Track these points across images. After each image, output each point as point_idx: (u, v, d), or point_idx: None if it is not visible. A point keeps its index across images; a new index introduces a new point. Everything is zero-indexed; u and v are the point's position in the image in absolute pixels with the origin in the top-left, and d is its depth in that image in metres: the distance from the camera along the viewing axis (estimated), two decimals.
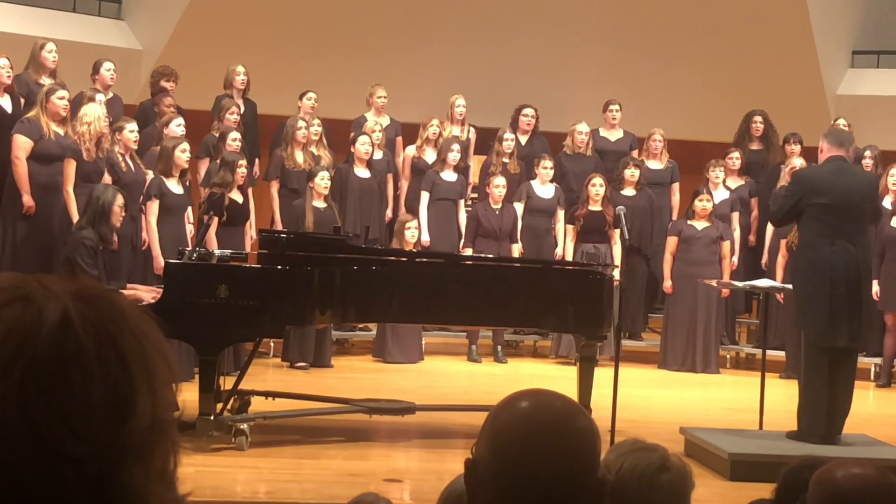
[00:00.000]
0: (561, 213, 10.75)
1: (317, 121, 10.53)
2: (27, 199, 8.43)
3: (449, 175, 10.71)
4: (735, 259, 10.70)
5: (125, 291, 6.79)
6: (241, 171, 9.06)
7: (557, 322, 7.36)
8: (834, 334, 6.76)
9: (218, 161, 9.28)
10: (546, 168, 10.76)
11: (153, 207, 8.57)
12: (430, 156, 10.95)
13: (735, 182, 11.19)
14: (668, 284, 10.57)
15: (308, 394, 7.48)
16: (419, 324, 9.66)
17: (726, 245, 10.58)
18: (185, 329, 6.34)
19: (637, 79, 12.91)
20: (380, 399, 7.32)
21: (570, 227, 10.60)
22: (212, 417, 6.45)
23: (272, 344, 9.66)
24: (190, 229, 8.91)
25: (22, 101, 9.22)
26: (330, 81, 12.01)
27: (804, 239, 7.03)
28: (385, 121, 11.26)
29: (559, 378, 8.87)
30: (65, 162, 8.38)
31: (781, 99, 12.24)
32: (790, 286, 7.46)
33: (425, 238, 10.46)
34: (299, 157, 10.25)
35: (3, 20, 11.71)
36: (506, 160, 10.93)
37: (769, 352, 8.42)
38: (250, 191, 9.64)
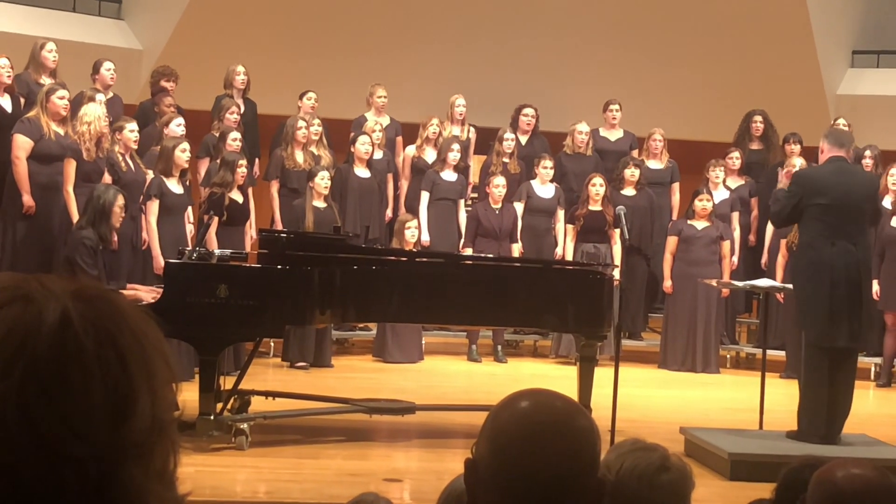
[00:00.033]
0: (561, 213, 10.75)
1: (317, 121, 10.53)
2: (27, 199, 8.43)
3: (449, 175, 10.71)
4: (735, 259, 10.70)
5: (125, 291, 6.80)
6: (242, 170, 9.06)
7: (557, 322, 7.36)
8: (834, 334, 6.76)
9: (218, 161, 9.28)
10: (546, 168, 10.76)
11: (153, 207, 8.57)
12: (430, 155, 10.96)
13: (735, 182, 11.19)
14: (668, 284, 10.57)
15: (308, 394, 7.48)
16: (419, 324, 9.66)
17: (726, 245, 10.58)
18: (185, 329, 6.34)
19: (637, 79, 12.91)
20: (380, 399, 7.32)
21: (570, 226, 10.60)
22: (212, 417, 6.45)
23: (272, 344, 9.66)
24: (190, 229, 8.91)
25: (22, 100, 9.22)
26: (330, 81, 12.01)
27: (805, 239, 7.03)
28: (385, 121, 11.26)
29: (559, 378, 8.87)
30: (65, 162, 8.38)
31: (781, 99, 12.24)
32: (790, 286, 7.46)
33: (425, 238, 10.46)
34: (299, 156, 10.25)
35: (4, 20, 11.71)
36: (506, 160, 10.93)
37: (769, 351, 8.42)
38: (250, 191, 9.64)
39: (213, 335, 6.46)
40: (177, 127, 9.34)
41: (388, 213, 10.88)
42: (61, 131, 8.51)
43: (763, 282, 8.12)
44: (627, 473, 2.48)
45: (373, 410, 7.08)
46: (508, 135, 11.02)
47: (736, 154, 11.21)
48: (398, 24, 13.01)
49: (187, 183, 8.89)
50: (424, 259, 8.16)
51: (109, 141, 8.65)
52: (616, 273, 8.07)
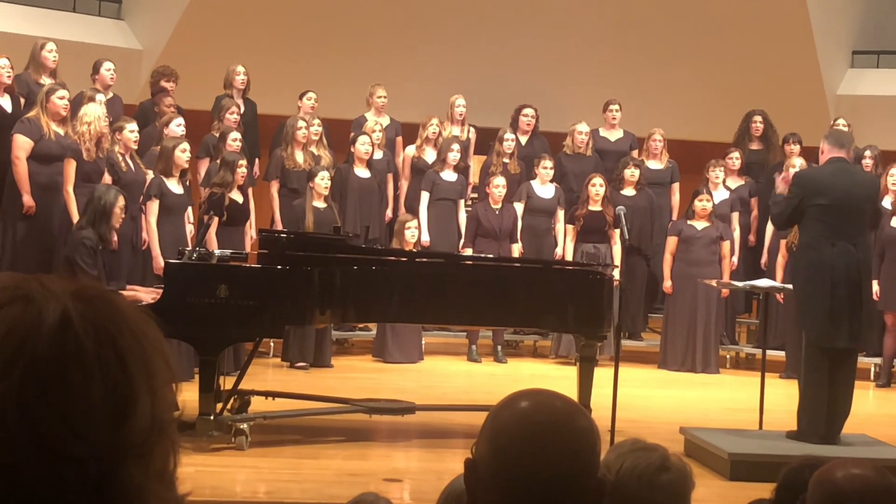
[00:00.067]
0: (561, 213, 10.75)
1: (317, 121, 10.53)
2: (27, 199, 8.43)
3: (449, 175, 10.71)
4: (735, 259, 10.70)
5: (124, 293, 6.79)
6: (242, 170, 9.06)
7: (557, 322, 7.36)
8: (835, 335, 6.77)
9: (218, 161, 9.28)
10: (546, 168, 10.76)
11: (153, 207, 8.56)
12: (429, 155, 10.96)
13: (735, 182, 11.19)
14: (667, 284, 10.57)
15: (308, 394, 7.48)
16: (419, 324, 9.66)
17: (726, 245, 10.58)
18: (185, 329, 6.34)
19: (637, 79, 12.91)
20: (380, 399, 7.32)
21: (570, 226, 10.60)
22: (212, 417, 6.45)
23: (272, 344, 9.66)
24: (190, 229, 8.91)
25: (22, 100, 9.22)
26: (330, 81, 12.01)
27: (805, 239, 7.03)
28: (385, 121, 11.26)
29: (559, 378, 8.87)
30: (65, 162, 8.38)
31: (781, 99, 12.24)
32: (790, 286, 7.47)
33: (425, 238, 10.46)
34: (299, 157, 10.25)
35: (4, 20, 11.71)
36: (506, 160, 10.93)
37: (769, 352, 8.42)
38: (250, 191, 9.64)
39: (212, 335, 6.46)
40: (177, 127, 9.34)
41: (388, 213, 10.88)
42: (61, 131, 8.51)
43: (763, 282, 8.12)
44: (627, 473, 2.48)
45: (373, 410, 7.08)
46: (508, 135, 11.02)
47: (736, 154, 11.21)
48: (398, 24, 13.01)
49: (187, 183, 8.89)
50: (424, 259, 8.16)
51: (109, 141, 8.65)
52: (616, 273, 8.07)
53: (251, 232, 9.57)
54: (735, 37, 12.97)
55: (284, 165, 10.22)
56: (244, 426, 6.54)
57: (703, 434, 6.92)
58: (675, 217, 11.14)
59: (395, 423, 7.26)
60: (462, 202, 10.87)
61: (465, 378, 9.68)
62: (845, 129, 10.54)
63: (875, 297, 9.22)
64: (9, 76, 9.10)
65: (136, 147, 8.98)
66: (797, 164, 10.35)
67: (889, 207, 10.03)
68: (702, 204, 10.44)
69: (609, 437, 6.10)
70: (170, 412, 1.01)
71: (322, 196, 9.58)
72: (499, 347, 10.53)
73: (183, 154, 8.68)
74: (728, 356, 10.98)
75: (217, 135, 9.88)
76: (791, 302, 8.40)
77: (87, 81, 9.85)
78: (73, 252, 7.28)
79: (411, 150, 11.08)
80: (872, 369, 10.24)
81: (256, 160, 10.81)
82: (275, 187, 10.29)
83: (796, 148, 11.09)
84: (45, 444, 0.94)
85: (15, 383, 0.94)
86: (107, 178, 8.45)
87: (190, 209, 9.04)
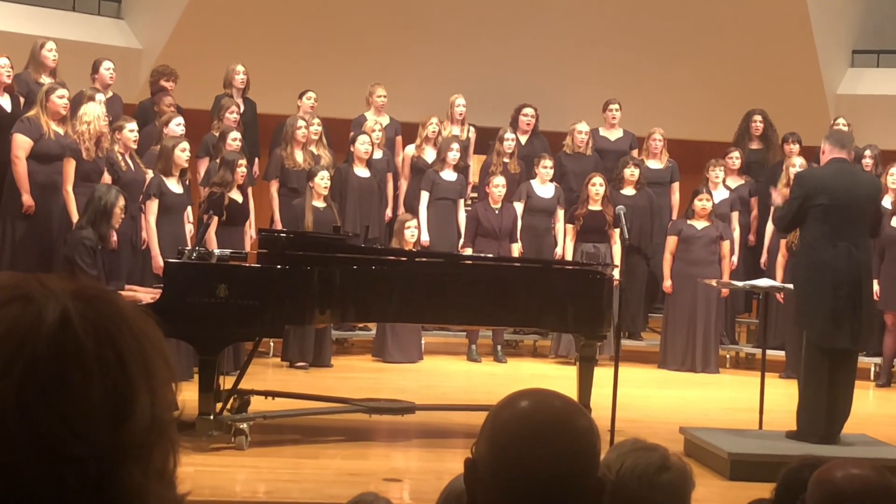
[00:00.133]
0: (561, 213, 10.75)
1: (316, 120, 10.53)
2: (27, 199, 8.42)
3: (448, 174, 10.71)
4: (735, 259, 10.70)
5: (123, 293, 6.79)
6: (241, 170, 9.06)
7: (557, 322, 7.36)
8: (837, 335, 6.76)
9: (218, 160, 9.28)
10: (546, 167, 10.76)
11: (152, 207, 8.56)
12: (429, 155, 10.95)
13: (735, 181, 11.19)
14: (667, 284, 10.57)
15: (308, 393, 7.48)
16: (419, 323, 9.65)
17: (726, 245, 10.58)
18: (185, 328, 6.34)
19: (637, 79, 12.90)
20: (379, 399, 7.32)
21: (569, 226, 10.60)
22: (211, 417, 6.46)
23: (272, 343, 9.66)
24: (189, 229, 8.91)
25: (21, 100, 9.21)
26: (330, 81, 12.01)
27: (806, 240, 7.02)
28: (385, 120, 11.26)
29: (559, 378, 8.87)
30: (64, 161, 8.37)
31: (781, 98, 12.24)
32: (790, 286, 7.46)
33: (425, 238, 10.46)
34: (299, 156, 10.24)
35: (3, 19, 11.71)
36: (506, 160, 10.93)
37: (769, 351, 8.42)
38: (250, 190, 9.64)
39: (212, 335, 6.46)
40: (176, 126, 9.33)
41: (388, 212, 10.88)
42: (61, 131, 8.50)
43: (763, 282, 8.11)
44: (627, 473, 2.48)
45: (372, 410, 7.08)
46: (509, 135, 11.01)
47: (736, 154, 11.21)
48: (398, 24, 13.01)
49: (187, 182, 8.89)
50: (424, 259, 8.16)
51: (109, 140, 8.65)
52: (616, 273, 8.08)
53: (251, 231, 9.57)
54: (735, 37, 12.97)
55: (284, 165, 10.21)
56: (244, 426, 6.54)
57: (702, 434, 6.92)
58: (674, 217, 11.13)
59: (395, 422, 7.26)
60: (462, 202, 10.86)
61: (465, 378, 9.68)
62: (845, 128, 10.54)
63: (875, 296, 9.22)
64: (8, 75, 9.10)
65: (135, 146, 8.98)
66: (797, 163, 10.36)
67: (889, 207, 10.03)
68: (702, 203, 10.44)
69: (609, 437, 6.10)
70: (169, 412, 1.01)
71: (322, 196, 9.57)
72: (498, 347, 10.53)
73: (182, 153, 8.68)
74: (728, 356, 10.98)
75: (217, 134, 9.88)
76: (791, 302, 8.40)
77: (87, 81, 9.85)
78: (73, 252, 7.28)
79: (411, 149, 11.08)
80: (872, 369, 10.24)
81: (256, 160, 10.81)
82: (274, 187, 10.29)
83: (796, 147, 11.09)
84: (44, 444, 0.93)
85: (14, 383, 0.94)
86: (106, 178, 8.45)
87: (189, 209, 9.04)
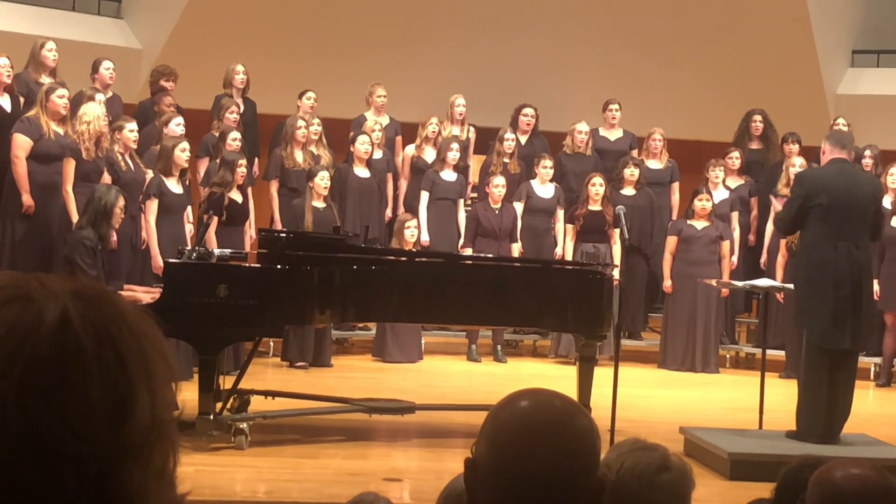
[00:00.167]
0: (561, 213, 10.75)
1: (316, 120, 10.53)
2: (26, 199, 8.42)
3: (448, 174, 10.71)
4: (735, 259, 10.70)
5: (122, 293, 6.79)
6: (241, 170, 9.06)
7: (557, 321, 7.36)
8: (837, 336, 6.76)
9: (217, 160, 9.28)
10: (546, 167, 10.76)
11: (152, 207, 8.56)
12: (429, 155, 10.95)
13: (735, 181, 11.19)
14: (667, 284, 10.57)
15: (308, 393, 7.48)
16: (419, 323, 9.65)
17: (726, 245, 10.58)
18: (185, 328, 6.34)
19: (637, 79, 12.90)
20: (379, 398, 7.32)
21: (569, 226, 10.60)
22: (211, 417, 6.46)
23: (272, 343, 9.66)
24: (189, 229, 8.91)
25: (21, 100, 9.21)
26: (329, 81, 12.01)
27: (806, 240, 7.01)
28: (385, 120, 11.26)
29: (559, 377, 8.88)
30: (64, 161, 8.37)
31: (781, 98, 12.24)
32: (790, 286, 7.45)
33: (425, 238, 10.46)
34: (299, 156, 10.24)
35: (3, 19, 11.71)
36: (506, 160, 10.93)
37: (769, 351, 8.42)
38: (250, 190, 9.64)
39: (212, 335, 6.46)
40: (176, 126, 9.33)
41: (388, 212, 10.87)
42: (61, 131, 8.50)
43: (763, 282, 8.11)
44: (628, 473, 2.48)
45: (372, 410, 7.08)
46: (509, 135, 11.01)
47: (735, 154, 11.21)
48: (398, 24, 13.01)
49: (187, 182, 8.89)
50: (424, 259, 8.16)
51: (109, 140, 8.65)
52: (616, 273, 8.08)
53: (251, 231, 9.57)
54: (735, 37, 12.97)
55: (284, 165, 10.21)
56: (244, 426, 6.54)
57: (702, 434, 6.92)
58: (674, 217, 11.14)
59: (395, 422, 7.26)
60: (462, 202, 10.86)
61: (465, 378, 9.68)
62: (845, 128, 10.54)
63: (875, 296, 9.22)
64: (8, 75, 9.10)
65: (135, 146, 8.98)
66: (797, 163, 10.36)
67: (889, 207, 10.02)
68: (701, 203, 10.44)
69: (609, 437, 6.10)
70: (169, 412, 1.01)
71: (322, 196, 9.57)
72: (498, 347, 10.52)
73: (182, 153, 8.68)
74: (728, 356, 10.98)
75: (217, 134, 9.88)
76: (791, 302, 8.40)
77: (87, 81, 9.84)
78: (73, 252, 7.29)
79: (411, 149, 11.08)
80: (872, 369, 10.24)
81: (256, 160, 10.81)
82: (274, 187, 10.29)
83: (795, 147, 11.10)
84: (44, 444, 0.93)
85: (14, 383, 0.94)
86: (106, 178, 8.45)
87: (189, 209, 9.04)
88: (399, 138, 11.41)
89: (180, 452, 1.02)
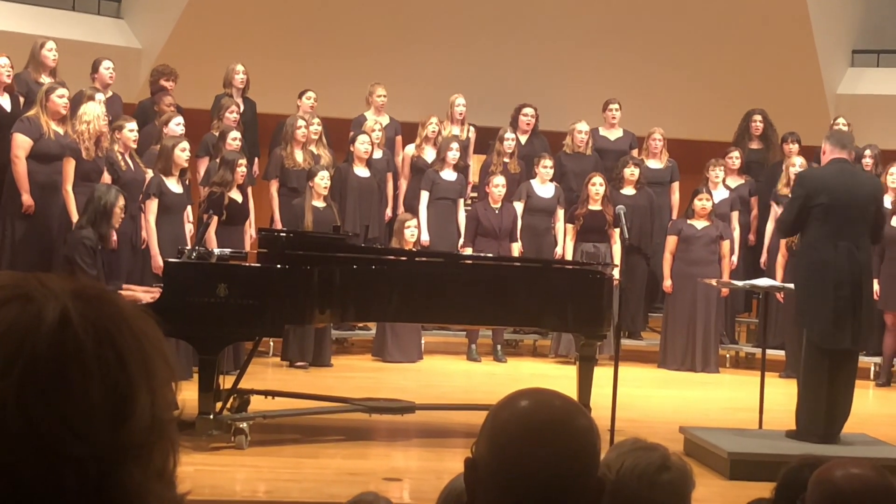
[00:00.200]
0: (561, 213, 10.75)
1: (316, 120, 10.52)
2: (26, 199, 8.42)
3: (448, 174, 10.71)
4: (735, 258, 10.70)
5: (121, 293, 6.79)
6: (241, 170, 9.06)
7: (557, 321, 7.36)
8: (838, 336, 6.76)
9: (217, 160, 9.28)
10: (546, 167, 10.76)
11: (152, 206, 8.56)
12: (429, 155, 10.95)
13: (735, 181, 11.19)
14: (667, 284, 10.57)
15: (307, 393, 7.48)
16: (419, 323, 9.65)
17: (726, 244, 10.58)
18: (185, 328, 6.34)
19: (637, 78, 12.90)
20: (379, 398, 7.32)
21: (569, 226, 10.60)
22: (211, 416, 6.46)
23: (272, 343, 9.66)
24: (189, 228, 8.91)
25: (21, 99, 9.21)
26: (329, 81, 12.01)
27: (807, 240, 7.00)
28: (385, 120, 11.26)
29: (559, 377, 8.88)
30: (64, 161, 8.37)
31: (781, 98, 12.24)
32: (790, 285, 7.45)
33: (425, 237, 10.46)
34: (299, 156, 10.24)
35: (3, 19, 11.71)
36: (506, 159, 10.93)
37: (769, 351, 8.42)
38: (250, 190, 9.64)
39: (212, 334, 6.46)
40: (176, 126, 9.33)
41: (388, 212, 10.87)
42: (61, 130, 8.50)
43: (763, 281, 8.11)
44: (628, 473, 2.48)
45: (372, 410, 7.08)
46: (509, 134, 11.01)
47: (735, 153, 11.21)
48: (398, 24, 13.01)
49: (187, 182, 8.89)
50: (424, 259, 8.15)
51: (109, 140, 8.65)
52: (616, 272, 8.08)
53: (251, 231, 9.57)
54: (735, 37, 12.97)
55: (284, 165, 10.21)
56: (244, 425, 6.54)
57: (702, 433, 6.92)
58: (674, 216, 11.14)
59: (395, 422, 7.26)
60: (462, 201, 10.86)
61: (465, 377, 9.68)
62: (845, 128, 10.54)
63: (875, 296, 9.22)
64: (8, 75, 9.10)
65: (135, 146, 8.98)
66: (797, 163, 10.37)
67: (889, 207, 10.02)
68: (701, 203, 10.44)
69: (609, 437, 6.10)
70: (169, 411, 1.01)
71: (321, 195, 9.57)
72: (498, 347, 10.52)
73: (182, 153, 8.68)
74: (728, 355, 10.98)
75: (216, 134, 9.88)
76: (791, 301, 8.40)
77: (87, 80, 9.84)
78: (73, 251, 7.28)
79: (411, 149, 11.08)
80: (872, 369, 10.24)
81: (256, 159, 10.81)
82: (274, 186, 10.29)
83: (795, 147, 11.10)
84: (44, 444, 0.93)
85: (14, 383, 0.94)
86: (106, 178, 8.45)
87: (189, 208, 9.04)
88: (399, 138, 11.41)
89: (180, 452, 1.02)
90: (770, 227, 10.62)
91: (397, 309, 7.02)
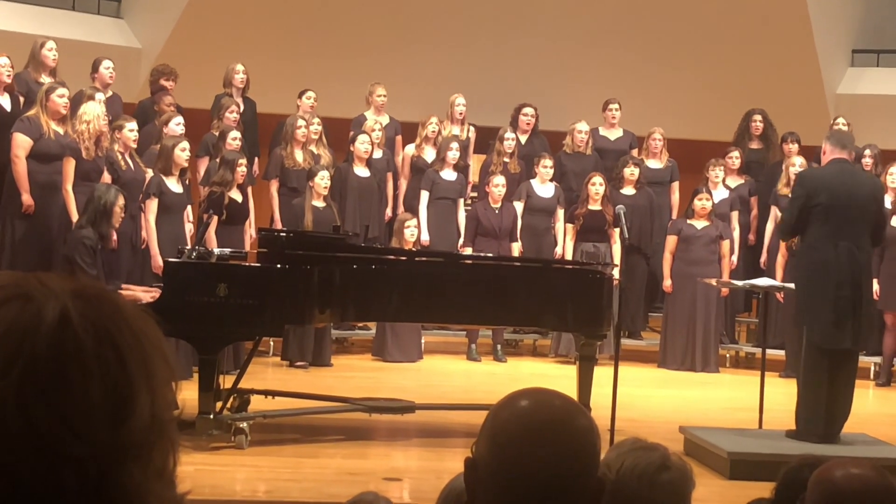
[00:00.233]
0: (560, 212, 10.75)
1: (316, 119, 10.52)
2: (26, 198, 8.42)
3: (448, 174, 10.71)
4: (734, 258, 10.70)
5: (121, 293, 6.78)
6: (241, 169, 9.06)
7: (557, 321, 7.36)
8: (839, 336, 6.76)
9: (217, 160, 9.28)
10: (546, 167, 10.76)
11: (152, 206, 8.56)
12: (429, 154, 10.95)
13: (735, 181, 11.19)
14: (667, 283, 10.57)
15: (307, 392, 7.48)
16: (418, 323, 9.65)
17: (726, 244, 10.58)
18: (185, 328, 6.34)
19: (637, 78, 12.90)
20: (379, 398, 7.32)
21: (569, 226, 10.60)
22: (211, 416, 6.46)
23: (272, 343, 9.66)
24: (189, 228, 8.91)
25: (21, 99, 9.21)
26: (329, 80, 12.00)
27: (807, 240, 7.00)
28: (385, 120, 11.26)
29: (559, 377, 8.88)
30: (64, 161, 8.37)
31: (781, 98, 12.24)
32: (790, 285, 7.44)
33: (425, 237, 10.46)
34: (299, 156, 10.24)
35: (3, 19, 11.71)
36: (506, 159, 10.93)
37: (769, 351, 8.42)
38: (250, 189, 9.64)
39: (212, 334, 6.46)
40: (176, 126, 9.33)
41: (388, 212, 10.87)
42: (61, 130, 8.50)
43: (763, 281, 8.11)
44: (628, 472, 2.48)
45: (372, 409, 7.08)
46: (509, 134, 11.01)
47: (735, 153, 11.21)
48: (398, 24, 13.01)
49: (186, 182, 8.89)
50: (424, 258, 8.15)
51: (109, 140, 8.65)
52: (616, 272, 8.07)
53: (251, 231, 9.57)
54: (735, 37, 12.97)
55: (284, 164, 10.21)
56: (244, 425, 6.54)
57: (702, 433, 6.92)
58: (674, 216, 11.14)
59: (395, 422, 7.26)
60: (461, 201, 10.86)
61: (465, 377, 9.68)
62: (845, 128, 10.54)
63: (875, 296, 9.22)
64: (8, 75, 9.10)
65: (135, 146, 8.98)
66: (797, 163, 10.37)
67: (889, 207, 10.01)
68: (701, 203, 10.44)
69: (609, 437, 6.10)
70: (169, 411, 1.01)
71: (321, 195, 9.57)
72: (498, 346, 10.52)
73: (182, 153, 8.68)
74: (728, 355, 10.98)
75: (216, 133, 9.88)
76: (791, 301, 8.40)
77: (87, 80, 9.85)
78: (73, 251, 7.28)
79: (411, 149, 11.08)
80: (872, 368, 10.24)
81: (256, 159, 10.81)
82: (274, 186, 10.29)
83: (794, 147, 11.10)
84: (44, 444, 0.93)
85: (14, 382, 0.94)
86: (106, 177, 8.45)
87: (189, 208, 9.04)
88: (399, 138, 11.41)
89: (180, 452, 1.02)
90: (770, 226, 10.62)
91: (397, 309, 7.02)
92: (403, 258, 7.76)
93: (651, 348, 10.93)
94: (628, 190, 10.84)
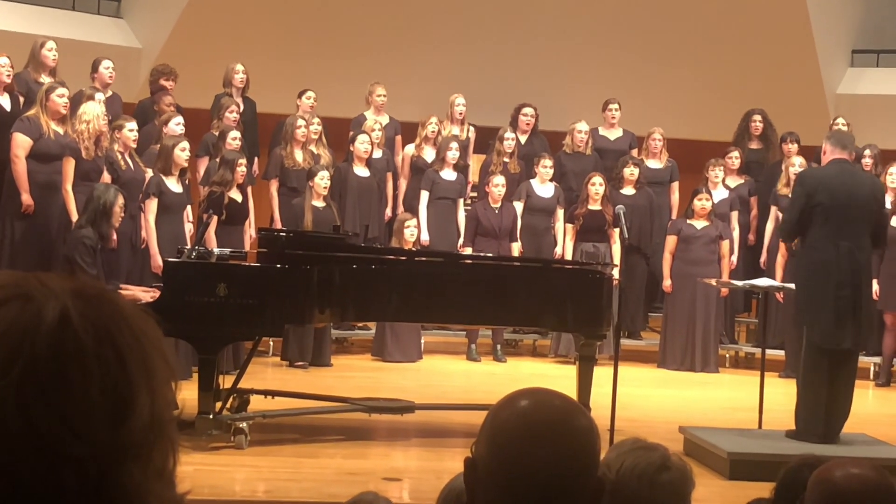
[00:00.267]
0: (560, 212, 10.75)
1: (316, 119, 10.52)
2: (26, 198, 8.42)
3: (448, 174, 10.71)
4: (734, 258, 10.71)
5: (120, 292, 6.78)
6: (241, 169, 9.06)
7: (557, 321, 7.36)
8: (839, 336, 6.76)
9: (217, 160, 9.28)
10: (546, 167, 10.76)
11: (152, 206, 8.56)
12: (429, 154, 10.95)
13: (734, 181, 11.19)
14: (667, 283, 10.57)
15: (307, 392, 7.48)
16: (418, 323, 9.65)
17: (725, 244, 10.58)
18: (185, 328, 6.34)
19: (637, 78, 12.90)
20: (379, 398, 7.32)
21: (569, 226, 10.60)
22: (211, 416, 6.46)
23: (271, 343, 9.66)
24: (189, 228, 8.91)
25: (21, 99, 9.21)
26: (329, 80, 12.00)
27: (807, 240, 6.99)
28: (384, 119, 11.26)
29: (558, 377, 8.87)
30: (64, 160, 8.37)
31: (781, 98, 12.24)
32: (790, 285, 7.44)
33: (425, 237, 10.46)
34: (299, 155, 10.24)
35: (3, 18, 11.71)
36: (506, 159, 10.93)
37: (768, 351, 8.42)
38: (249, 189, 9.64)
39: (212, 334, 6.46)
40: (176, 125, 9.33)
41: (388, 212, 10.87)
42: (60, 130, 8.50)
43: (762, 281, 8.11)
44: (628, 472, 2.48)
45: (372, 409, 7.08)
46: (509, 134, 11.01)
47: (735, 153, 11.21)
48: (398, 24, 13.01)
49: (186, 182, 8.89)
50: (424, 258, 8.15)
51: (108, 139, 8.65)
52: (615, 272, 8.07)
53: (250, 231, 9.57)
54: (735, 37, 12.97)
55: (284, 164, 10.21)
56: (243, 425, 6.54)
57: (702, 433, 6.92)
58: (674, 216, 11.14)
59: (395, 422, 7.26)
60: (461, 201, 10.86)
61: (465, 377, 9.68)
62: (845, 128, 10.54)
63: (875, 296, 9.22)
64: (8, 75, 9.10)
65: (135, 146, 8.98)
66: (796, 163, 10.37)
67: (889, 207, 10.01)
68: (701, 203, 10.44)
69: (608, 437, 6.10)
70: (169, 411, 1.01)
71: (321, 195, 9.57)
72: (498, 346, 10.52)
73: (182, 153, 8.68)
74: (727, 355, 10.98)
75: (216, 133, 9.88)
76: (790, 301, 8.39)
77: (87, 80, 9.85)
78: (73, 251, 7.28)
79: (410, 148, 11.08)
80: (872, 369, 10.24)
81: (256, 159, 10.81)
82: (274, 186, 10.29)
83: (794, 147, 11.10)
84: (44, 444, 0.93)
85: (14, 382, 0.93)
86: (106, 177, 8.45)
87: (189, 208, 9.04)
88: (399, 138, 11.41)
89: (180, 452, 1.02)
90: (770, 227, 10.62)
91: (397, 309, 7.02)
92: (403, 258, 7.76)
93: (651, 348, 10.93)
94: (628, 190, 10.84)
